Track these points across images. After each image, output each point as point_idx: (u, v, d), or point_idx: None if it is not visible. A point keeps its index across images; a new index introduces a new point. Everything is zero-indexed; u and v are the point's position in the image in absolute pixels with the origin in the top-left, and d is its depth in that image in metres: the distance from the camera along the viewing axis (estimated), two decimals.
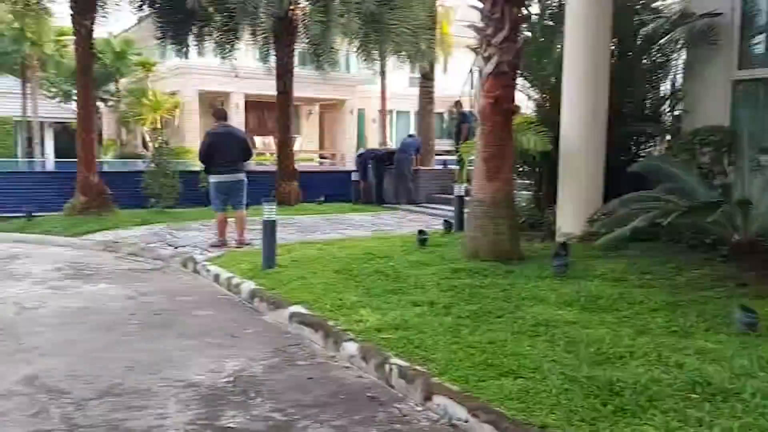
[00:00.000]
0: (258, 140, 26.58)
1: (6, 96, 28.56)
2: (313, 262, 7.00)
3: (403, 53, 11.70)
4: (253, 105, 26.05)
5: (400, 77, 29.23)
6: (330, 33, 9.89)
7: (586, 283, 5.42)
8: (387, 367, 3.84)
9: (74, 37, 10.96)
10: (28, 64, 26.00)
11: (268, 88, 25.07)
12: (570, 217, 7.24)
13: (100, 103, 30.68)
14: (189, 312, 5.71)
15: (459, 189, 9.06)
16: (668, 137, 8.12)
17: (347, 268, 6.57)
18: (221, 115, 8.83)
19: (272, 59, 13.78)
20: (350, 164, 26.34)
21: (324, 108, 30.35)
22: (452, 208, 11.73)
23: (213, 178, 8.34)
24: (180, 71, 24.31)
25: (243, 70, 24.50)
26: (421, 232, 7.80)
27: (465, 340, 4.16)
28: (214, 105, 24.56)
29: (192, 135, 24.18)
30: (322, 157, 28.77)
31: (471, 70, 16.10)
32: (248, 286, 6.20)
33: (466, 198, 8.95)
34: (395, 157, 13.04)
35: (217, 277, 6.90)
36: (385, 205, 12.88)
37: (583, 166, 7.26)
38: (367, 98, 30.01)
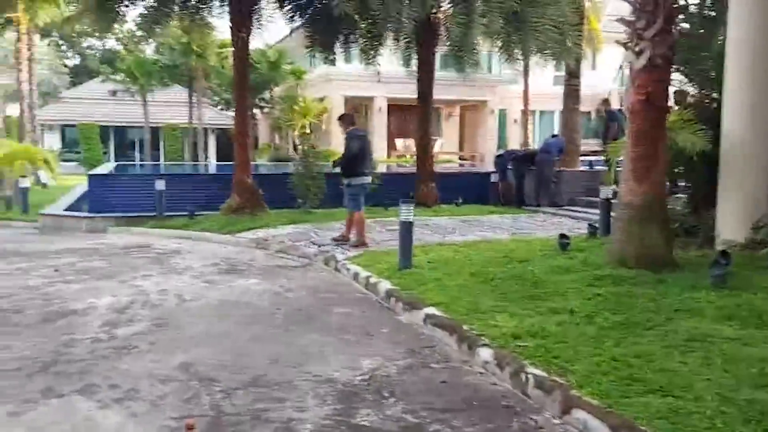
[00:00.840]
0: (399, 142, 27.11)
1: (176, 105, 31.56)
2: (449, 263, 6.97)
3: (548, 51, 11.30)
4: (395, 108, 26.58)
5: (544, 76, 28.34)
6: (472, 34, 9.79)
7: (749, 296, 4.90)
8: (523, 376, 3.72)
9: (232, 49, 11.81)
10: (194, 75, 28.48)
11: (410, 91, 25.43)
12: (732, 222, 6.60)
13: (256, 110, 32.96)
14: (329, 309, 5.91)
15: (606, 191, 8.59)
16: None
17: (484, 271, 6.47)
18: (351, 120, 9.02)
19: (414, 63, 13.99)
20: (490, 165, 26.05)
21: (464, 109, 30.23)
22: (597, 212, 11.20)
23: (359, 180, 8.55)
24: (327, 78, 25.40)
25: (385, 75, 25.18)
26: (562, 236, 7.49)
27: (609, 352, 3.92)
28: (354, 107, 25.41)
29: (338, 139, 25.14)
30: (461, 158, 28.66)
31: (621, 67, 15.30)
32: (385, 285, 6.30)
33: (614, 201, 8.46)
34: (537, 157, 12.64)
35: (356, 276, 7.09)
36: (525, 208, 12.53)
37: (749, 167, 6.59)
38: (509, 98, 29.46)
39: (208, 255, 8.92)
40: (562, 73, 32.35)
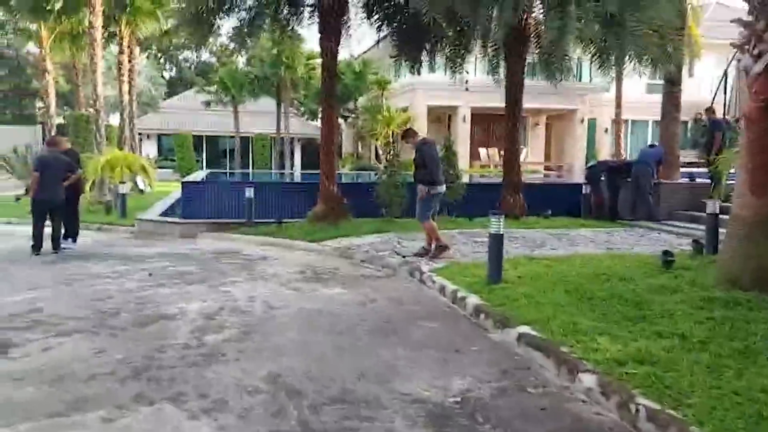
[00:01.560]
0: (482, 152, 26.67)
1: (265, 115, 32.50)
2: (541, 279, 6.64)
3: (646, 57, 10.68)
4: (478, 117, 26.21)
5: (637, 84, 27.17)
6: (565, 39, 9.37)
7: None
8: (632, 407, 3.39)
9: (321, 60, 11.93)
10: (282, 85, 29.22)
11: (493, 100, 25.07)
12: None
13: (340, 120, 33.43)
14: (414, 322, 5.74)
15: (713, 206, 7.97)
16: None
17: (580, 288, 6.11)
18: (415, 132, 8.99)
19: (500, 71, 13.68)
20: (578, 176, 25.14)
21: (551, 118, 29.42)
22: (701, 228, 10.48)
23: (437, 189, 8.42)
24: (411, 87, 25.39)
25: (470, 84, 24.90)
26: (666, 252, 6.99)
27: (729, 384, 3.54)
28: (438, 117, 25.19)
29: None
30: (547, 168, 27.87)
31: (725, 73, 14.32)
32: (473, 300, 6.06)
33: (722, 216, 7.86)
34: (634, 168, 11.99)
35: (442, 289, 6.88)
36: (619, 221, 11.90)
37: None
38: (599, 107, 28.42)
39: (294, 262, 8.97)
40: (656, 80, 31.23)
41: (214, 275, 7.96)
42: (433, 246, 8.52)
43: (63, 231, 9.88)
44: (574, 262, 7.59)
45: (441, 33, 12.38)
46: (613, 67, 12.69)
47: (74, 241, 10.08)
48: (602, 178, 12.74)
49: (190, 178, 16.31)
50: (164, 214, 13.32)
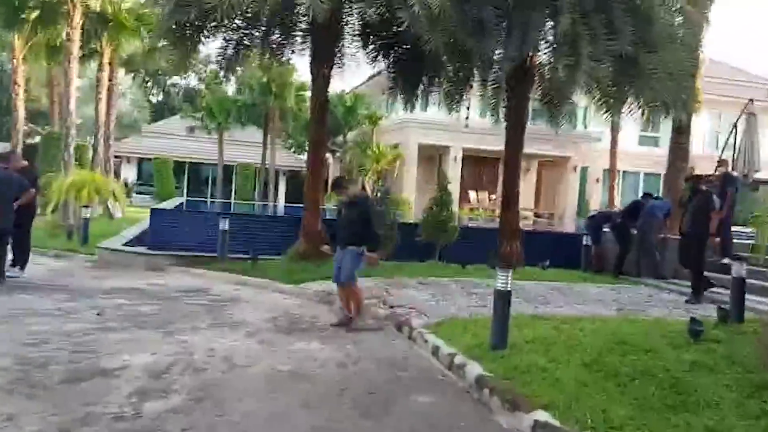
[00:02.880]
0: (471, 195, 25.94)
1: (250, 145, 31.66)
2: (552, 345, 5.70)
3: (658, 104, 10.00)
4: (470, 159, 25.56)
5: (629, 135, 26.84)
6: (577, 78, 8.65)
7: None
8: None
9: (311, 86, 11.13)
10: (270, 115, 28.44)
11: (486, 142, 24.69)
12: None
13: (328, 154, 32.70)
14: (405, 394, 4.77)
15: (739, 268, 7.13)
16: None
17: (600, 360, 5.18)
18: (348, 183, 8.01)
19: (500, 111, 13.00)
20: (569, 225, 24.45)
21: (543, 165, 28.85)
22: (715, 291, 9.69)
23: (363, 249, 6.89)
24: (402, 124, 24.73)
25: (462, 125, 24.32)
26: (694, 320, 6.10)
27: None
28: (429, 156, 24.45)
29: (410, 186, 24.29)
30: (537, 215, 27.15)
31: (734, 126, 13.74)
32: (474, 369, 5.11)
33: (751, 280, 7.05)
34: (640, 221, 11.20)
35: (436, 351, 5.93)
36: (623, 277, 11.05)
37: None
38: (591, 156, 27.94)
39: (268, 306, 7.98)
40: (649, 132, 31.15)
41: (173, 318, 6.94)
42: (353, 312, 7.03)
43: (10, 257, 8.81)
44: (586, 325, 6.66)
45: (440, 67, 11.66)
46: (620, 113, 12.04)
47: (22, 269, 8.99)
48: (605, 230, 11.94)
49: (162, 205, 15.27)
50: (131, 243, 12.24)
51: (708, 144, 27.41)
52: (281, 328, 6.84)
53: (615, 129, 24.19)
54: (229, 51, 11.58)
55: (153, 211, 12.10)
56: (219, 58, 11.75)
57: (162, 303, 7.84)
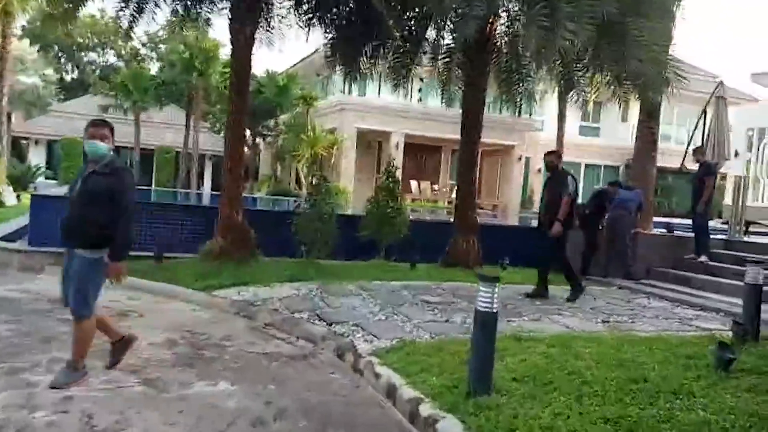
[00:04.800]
0: (413, 184, 24.48)
1: (172, 127, 29.07)
2: (550, 386, 4.17)
3: (639, 81, 8.66)
4: (412, 147, 24.05)
5: (570, 125, 25.93)
6: (553, 43, 7.14)
7: None
8: None
9: (231, 48, 9.23)
10: (193, 95, 26.01)
11: (430, 128, 23.24)
12: None
13: (259, 139, 30.50)
14: None
15: (755, 273, 5.81)
16: None
17: (619, 411, 3.70)
18: None
19: (452, 90, 11.54)
20: (513, 218, 23.32)
21: (486, 154, 27.66)
22: (693, 291, 8.58)
23: (100, 253, 4.25)
24: (340, 107, 22.94)
25: (406, 111, 22.78)
26: (723, 346, 4.72)
27: None
28: (368, 143, 22.78)
29: (347, 174, 22.57)
30: (479, 208, 25.93)
31: (703, 112, 12.67)
32: (451, 427, 3.53)
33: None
34: (610, 215, 9.91)
35: (392, 392, 4.32)
36: (590, 278, 9.73)
37: None
38: (533, 146, 26.98)
39: (168, 323, 6.14)
40: (589, 122, 30.50)
41: (29, 345, 5.06)
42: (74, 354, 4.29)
43: None
44: (580, 348, 5.18)
45: (386, 33, 9.98)
46: (585, 94, 10.73)
47: None
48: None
49: (49, 191, 13.01)
50: (11, 236, 10.05)
51: (662, 138, 26.91)
52: (179, 358, 5.04)
53: (562, 116, 23.24)
54: (131, 6, 9.58)
55: (34, 198, 9.87)
56: (118, 11, 9.66)
57: (22, 320, 5.89)
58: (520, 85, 10.70)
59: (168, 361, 4.93)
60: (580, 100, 10.92)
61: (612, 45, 7.86)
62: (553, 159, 8.06)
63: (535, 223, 16.79)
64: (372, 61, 11.18)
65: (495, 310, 4.00)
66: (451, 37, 9.32)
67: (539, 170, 28.37)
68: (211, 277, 7.92)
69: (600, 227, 10.03)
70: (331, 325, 5.99)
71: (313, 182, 9.58)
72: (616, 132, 29.74)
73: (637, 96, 9.59)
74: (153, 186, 28.27)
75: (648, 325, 6.64)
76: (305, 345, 5.67)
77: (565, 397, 3.96)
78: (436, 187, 24.56)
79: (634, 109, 24.88)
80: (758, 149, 16.36)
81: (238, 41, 8.99)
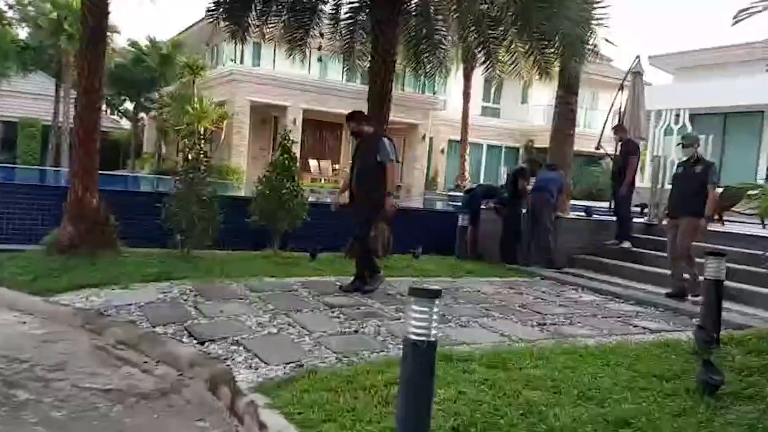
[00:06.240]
0: (312, 163, 23.01)
1: (38, 97, 25.78)
2: None
3: (565, 45, 7.71)
4: (311, 123, 22.51)
5: (472, 105, 25.33)
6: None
7: None
8: None
9: None
10: (63, 62, 23.02)
11: (329, 103, 21.76)
12: None
13: (142, 113, 27.76)
14: None
15: (717, 267, 4.91)
16: None
17: None
18: None
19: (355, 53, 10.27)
20: (418, 200, 22.34)
21: (390, 132, 26.69)
22: (612, 279, 7.90)
23: None
24: (231, 78, 20.97)
25: (304, 82, 21.17)
26: (709, 366, 3.75)
27: None
28: (263, 118, 21.00)
29: (240, 152, 20.70)
30: None
31: (621, 87, 12.05)
32: None
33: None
34: (532, 197, 9.00)
35: None
36: (510, 266, 8.79)
37: None
38: (436, 125, 26.18)
39: None
40: (489, 103, 30.16)
41: None
42: None
43: None
44: (529, 369, 4.07)
45: None
46: (498, 63, 9.75)
47: None
48: (484, 207, 9.65)
49: None
50: None
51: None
52: None
53: (467, 95, 22.53)
54: None
55: None
56: None
57: None
58: (432, 53, 9.55)
59: None
60: (495, 72, 9.96)
61: (539, 6, 6.81)
62: (356, 120, 6.44)
63: (440, 205, 15.88)
64: (263, 18, 9.65)
65: (434, 339, 2.74)
66: None
67: (442, 150, 27.72)
68: (54, 276, 6.23)
69: (523, 210, 9.13)
70: (203, 343, 4.55)
71: (189, 157, 7.88)
72: (515, 113, 29.64)
73: (559, 64, 8.68)
74: (16, 164, 24.95)
75: (588, 328, 5.69)
76: (167, 373, 4.20)
77: None
78: (337, 166, 23.19)
79: (537, 89, 24.86)
80: (654, 132, 16.31)
81: None
